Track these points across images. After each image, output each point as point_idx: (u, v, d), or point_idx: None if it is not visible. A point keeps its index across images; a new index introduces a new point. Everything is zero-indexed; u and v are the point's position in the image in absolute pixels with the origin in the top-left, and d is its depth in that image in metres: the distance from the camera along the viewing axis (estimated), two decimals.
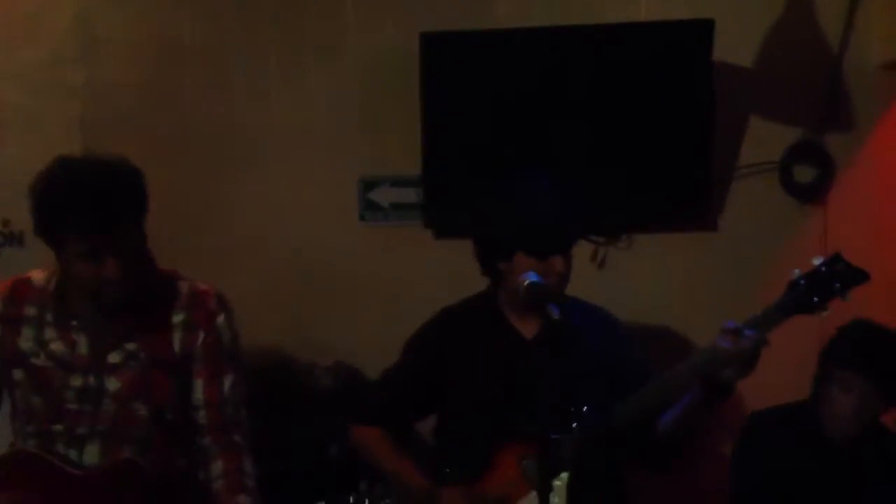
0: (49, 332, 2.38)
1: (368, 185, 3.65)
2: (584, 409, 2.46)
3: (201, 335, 2.39)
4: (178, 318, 2.39)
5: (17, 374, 2.38)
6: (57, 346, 2.37)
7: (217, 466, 2.39)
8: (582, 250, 3.55)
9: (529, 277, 2.36)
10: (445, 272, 3.52)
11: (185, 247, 3.49)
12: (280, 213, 3.65)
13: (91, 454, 2.35)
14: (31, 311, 2.39)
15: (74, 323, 2.37)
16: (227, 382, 2.43)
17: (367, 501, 2.18)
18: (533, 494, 2.46)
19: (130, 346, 2.36)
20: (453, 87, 3.48)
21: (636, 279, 3.53)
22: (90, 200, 2.22)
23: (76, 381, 2.35)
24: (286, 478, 2.92)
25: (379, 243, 3.63)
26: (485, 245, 2.68)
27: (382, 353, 3.47)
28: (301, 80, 3.65)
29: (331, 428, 3.24)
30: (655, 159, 3.44)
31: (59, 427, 2.35)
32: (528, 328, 2.64)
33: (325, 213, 3.65)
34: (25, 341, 2.38)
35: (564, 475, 2.45)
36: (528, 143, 3.43)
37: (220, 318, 2.43)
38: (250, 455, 2.44)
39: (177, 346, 2.38)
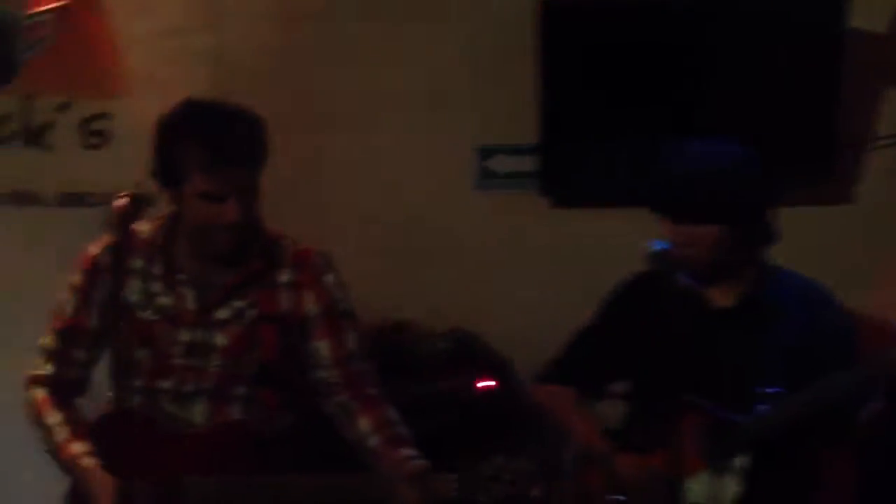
0: (156, 286, 2.35)
1: (484, 152, 3.65)
2: (767, 390, 2.36)
3: (311, 296, 2.36)
4: (284, 278, 2.35)
5: (123, 327, 2.35)
6: (164, 300, 2.34)
7: (364, 423, 2.34)
8: None
9: (656, 245, 2.28)
10: (560, 241, 3.51)
11: (302, 210, 3.56)
12: (395, 179, 3.67)
13: (198, 412, 2.32)
14: (137, 263, 2.36)
15: (181, 277, 2.34)
16: (351, 338, 2.40)
17: (504, 475, 2.09)
18: (705, 472, 2.38)
19: (238, 303, 2.33)
20: (572, 53, 3.43)
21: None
22: (220, 137, 2.21)
23: (184, 336, 2.32)
24: None
25: (494, 211, 3.62)
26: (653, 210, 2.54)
27: (498, 319, 3.50)
28: (420, 43, 3.64)
29: (446, 393, 3.27)
30: (782, 129, 3.33)
31: (166, 384, 2.32)
32: (719, 297, 2.52)
33: (440, 179, 3.66)
34: (132, 293, 2.34)
35: (745, 458, 2.36)
36: (648, 111, 3.37)
37: (328, 278, 2.39)
38: (390, 404, 2.40)
39: (284, 305, 2.35)
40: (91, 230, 3.39)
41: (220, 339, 2.32)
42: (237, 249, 2.30)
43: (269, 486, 2.23)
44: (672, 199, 2.45)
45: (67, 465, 2.30)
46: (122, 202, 2.10)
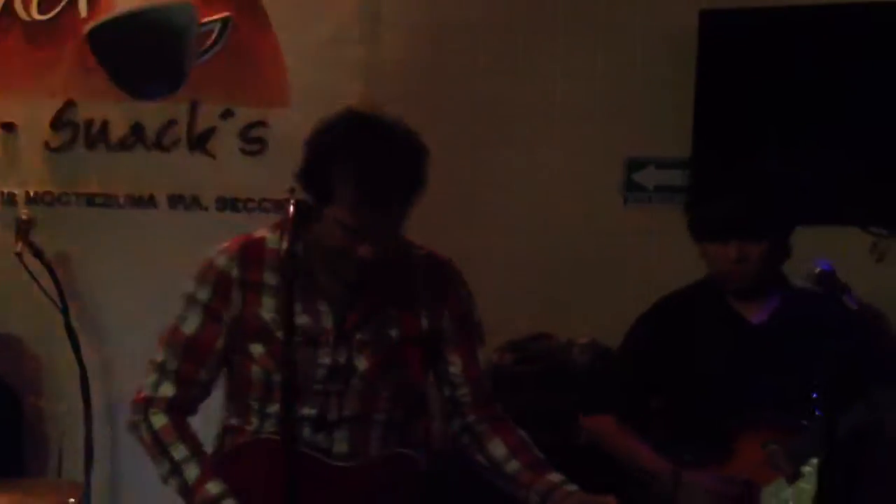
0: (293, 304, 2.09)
1: (634, 165, 3.61)
2: (816, 396, 2.41)
3: (446, 311, 2.20)
4: (422, 292, 2.19)
5: (258, 348, 2.12)
6: (303, 320, 2.11)
7: (497, 446, 2.20)
8: (860, 242, 3.36)
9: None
10: None
11: (450, 220, 3.60)
12: (543, 190, 3.67)
13: (340, 441, 2.13)
14: (270, 278, 2.13)
15: (318, 294, 2.12)
16: (481, 356, 2.27)
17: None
18: (780, 481, 2.43)
19: (378, 322, 2.15)
20: (730, 67, 3.37)
21: None
22: (374, 172, 2.00)
23: (325, 359, 2.12)
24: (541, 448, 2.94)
25: (642, 225, 3.59)
26: (690, 228, 2.63)
27: None
28: (572, 54, 3.64)
29: (584, 404, 3.25)
30: None
31: (308, 411, 2.11)
32: (752, 313, 2.58)
33: (588, 191, 3.65)
34: (268, 312, 2.12)
35: (814, 461, 2.38)
36: (806, 127, 3.27)
37: (463, 290, 2.25)
38: (517, 426, 2.25)
39: (425, 322, 2.19)
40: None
41: (362, 363, 2.12)
42: (367, 280, 2.10)
43: None
44: (732, 218, 2.53)
45: None
46: (291, 209, 1.93)
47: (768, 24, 3.35)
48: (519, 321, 3.54)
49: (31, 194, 3.67)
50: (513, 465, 2.18)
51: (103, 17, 3.63)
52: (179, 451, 2.13)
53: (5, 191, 3.68)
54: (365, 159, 2.01)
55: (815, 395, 2.43)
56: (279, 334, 2.09)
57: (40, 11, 3.63)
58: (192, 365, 2.16)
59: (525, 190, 3.70)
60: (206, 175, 3.66)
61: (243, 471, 2.11)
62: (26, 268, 3.41)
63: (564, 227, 3.65)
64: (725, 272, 2.57)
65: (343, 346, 2.13)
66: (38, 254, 3.46)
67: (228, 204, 3.67)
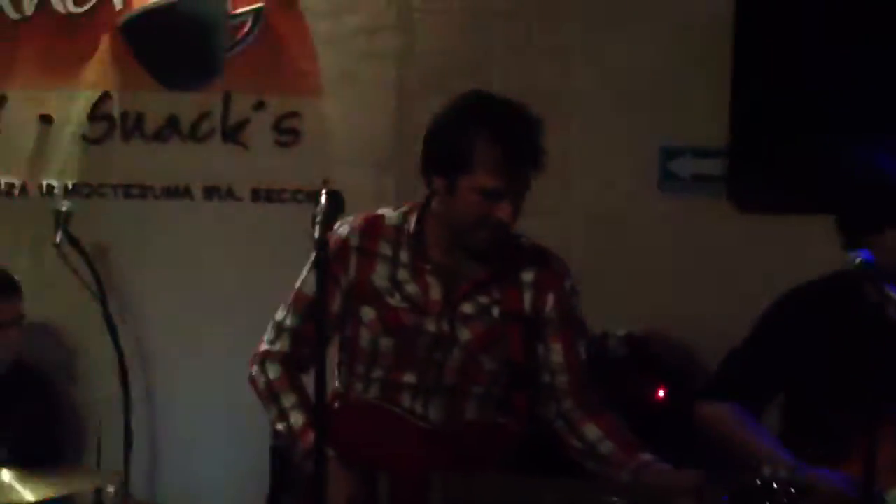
0: (402, 273, 2.29)
1: (669, 154, 3.58)
2: None
3: (551, 298, 2.32)
4: (527, 277, 2.31)
5: (368, 312, 2.30)
6: (412, 289, 2.28)
7: (591, 430, 2.29)
8: None
9: (861, 255, 2.24)
10: (746, 247, 3.39)
11: None
12: (576, 177, 3.64)
13: (436, 409, 2.27)
14: (385, 248, 2.31)
15: (428, 267, 2.29)
16: (583, 346, 2.36)
17: (776, 487, 2.03)
18: None
19: (483, 299, 2.29)
20: (767, 52, 3.32)
21: None
22: (514, 136, 2.19)
23: (430, 327, 2.27)
24: None
25: (678, 215, 3.55)
26: (853, 217, 2.52)
27: (675, 326, 3.42)
28: (606, 42, 3.61)
29: (622, 398, 3.22)
30: None
31: (409, 378, 2.27)
32: (891, 306, 2.44)
33: (622, 179, 3.61)
34: (380, 279, 2.29)
35: None
36: (850, 112, 3.22)
37: (568, 282, 2.36)
38: (614, 412, 2.34)
39: (527, 305, 2.30)
40: (281, 225, 3.57)
41: (465, 334, 2.27)
42: (494, 247, 2.26)
43: (518, 485, 2.15)
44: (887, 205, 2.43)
45: (304, 453, 2.24)
46: (323, 200, 1.97)
47: (805, 5, 3.30)
48: None
49: (69, 186, 3.69)
50: (606, 446, 2.27)
51: (137, 8, 3.64)
52: (289, 399, 2.30)
53: (44, 182, 3.70)
54: (504, 121, 2.21)
55: None
56: (389, 300, 2.28)
57: (76, 4, 3.64)
58: (309, 324, 2.30)
59: (560, 179, 3.67)
60: (240, 166, 3.67)
61: (343, 427, 2.23)
62: (65, 258, 3.44)
63: (599, 218, 3.62)
64: None
65: (447, 317, 2.28)
66: (76, 244, 3.48)
67: (262, 195, 3.68)
